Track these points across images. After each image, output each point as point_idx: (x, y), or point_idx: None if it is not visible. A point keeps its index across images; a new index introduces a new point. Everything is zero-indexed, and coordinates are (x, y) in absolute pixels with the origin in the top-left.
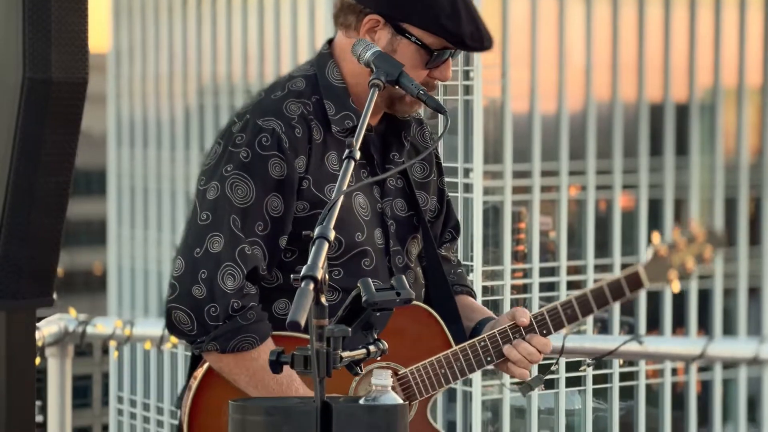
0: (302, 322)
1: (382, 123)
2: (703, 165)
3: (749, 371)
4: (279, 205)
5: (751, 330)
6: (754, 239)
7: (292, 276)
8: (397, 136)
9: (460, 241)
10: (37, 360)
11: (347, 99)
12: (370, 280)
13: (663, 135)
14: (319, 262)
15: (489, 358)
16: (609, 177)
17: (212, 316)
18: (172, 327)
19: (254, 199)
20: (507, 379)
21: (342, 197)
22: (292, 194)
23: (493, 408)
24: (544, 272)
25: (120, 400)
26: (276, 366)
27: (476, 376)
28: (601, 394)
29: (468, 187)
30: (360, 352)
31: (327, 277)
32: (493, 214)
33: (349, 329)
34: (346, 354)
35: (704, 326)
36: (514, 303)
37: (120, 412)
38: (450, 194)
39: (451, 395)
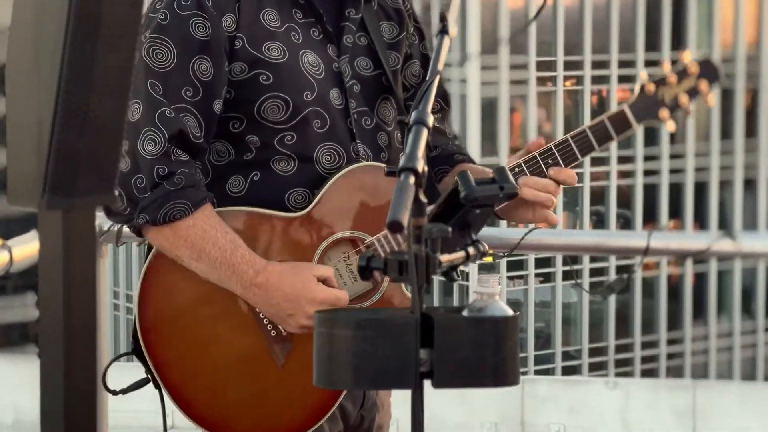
0: (405, 221)
1: None
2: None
3: (743, 263)
4: (208, 68)
5: (746, 224)
6: (751, 131)
7: (386, 168)
8: None
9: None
10: None
11: None
12: (468, 173)
13: (660, 28)
14: (418, 151)
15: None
16: (605, 70)
17: (140, 188)
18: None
19: (176, 63)
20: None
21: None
22: (221, 55)
23: None
24: None
25: (116, 295)
26: (365, 272)
27: (473, 270)
28: (596, 288)
29: (464, 81)
30: (458, 255)
31: (426, 168)
32: (489, 108)
33: (449, 229)
34: (444, 257)
35: (699, 220)
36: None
37: (116, 307)
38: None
39: (447, 290)
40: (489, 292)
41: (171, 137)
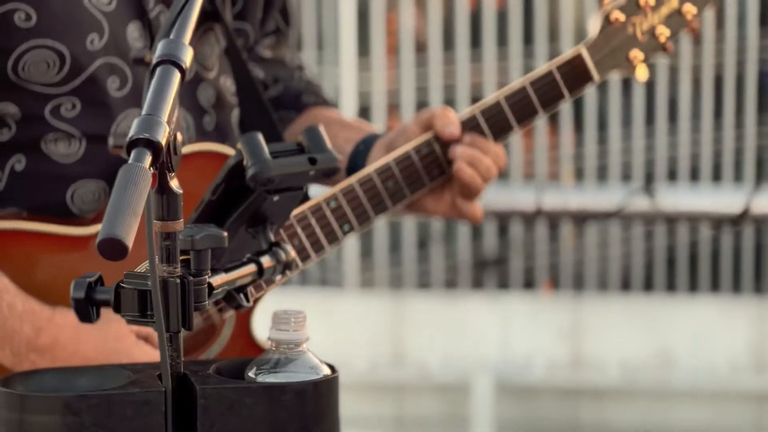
0: (129, 241)
1: None
2: None
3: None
4: None
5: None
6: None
7: (111, 142)
8: None
9: (331, 45)
10: None
11: None
12: (259, 135)
13: None
14: (163, 111)
15: (398, 194)
16: None
17: None
18: None
19: None
20: None
21: None
22: None
23: None
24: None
25: None
26: (84, 309)
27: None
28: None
29: None
30: (244, 272)
31: (177, 135)
32: (362, 9)
33: (224, 233)
34: (218, 279)
35: (578, 125)
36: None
37: None
38: None
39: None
40: (291, 339)
41: None
